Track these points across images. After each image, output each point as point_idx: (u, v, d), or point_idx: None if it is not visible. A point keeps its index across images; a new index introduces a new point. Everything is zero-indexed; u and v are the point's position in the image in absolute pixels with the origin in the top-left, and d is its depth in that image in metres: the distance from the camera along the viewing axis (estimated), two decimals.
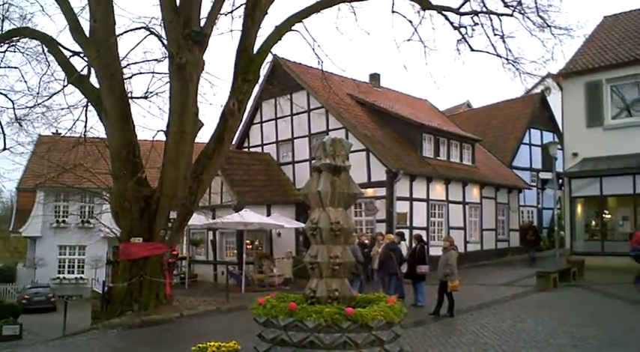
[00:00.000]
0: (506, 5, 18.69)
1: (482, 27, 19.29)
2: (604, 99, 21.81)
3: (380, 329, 6.85)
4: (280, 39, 16.84)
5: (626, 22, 24.48)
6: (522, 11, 18.73)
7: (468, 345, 9.74)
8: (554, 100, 29.03)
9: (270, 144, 26.21)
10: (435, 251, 19.04)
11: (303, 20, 16.84)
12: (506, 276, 20.02)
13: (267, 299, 7.44)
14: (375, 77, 28.98)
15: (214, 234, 23.30)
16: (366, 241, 17.76)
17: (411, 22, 18.64)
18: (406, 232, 19.65)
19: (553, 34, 18.92)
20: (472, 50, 19.08)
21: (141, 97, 18.10)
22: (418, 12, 18.87)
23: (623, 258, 20.23)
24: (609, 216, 22.11)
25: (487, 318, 12.32)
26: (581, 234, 22.12)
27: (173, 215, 16.24)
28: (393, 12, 18.45)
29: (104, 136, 16.92)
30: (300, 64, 24.36)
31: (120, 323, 13.40)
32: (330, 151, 7.62)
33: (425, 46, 18.90)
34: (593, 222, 22.19)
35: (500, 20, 19.41)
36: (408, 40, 19.36)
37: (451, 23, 18.90)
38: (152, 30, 15.67)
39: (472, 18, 19.34)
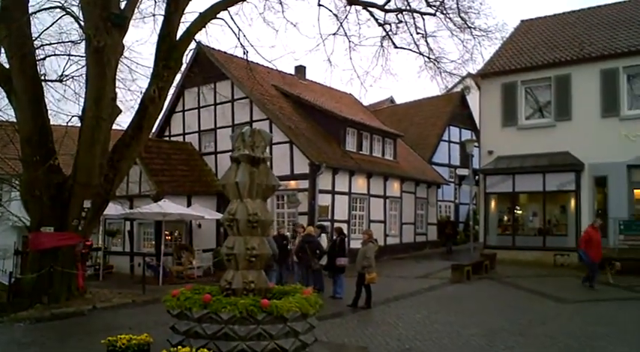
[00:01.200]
0: (429, 5, 19.13)
1: (407, 25, 19.69)
2: (518, 100, 22.78)
3: (295, 320, 6.86)
4: (204, 26, 16.47)
5: (541, 27, 25.63)
6: (444, 11, 19.24)
7: (383, 336, 9.91)
8: (474, 99, 30.12)
9: (192, 133, 25.66)
10: (356, 244, 19.27)
11: (229, 9, 16.57)
12: (423, 269, 20.58)
13: (181, 291, 7.29)
14: (300, 70, 28.96)
15: (132, 225, 22.59)
16: (287, 233, 17.78)
17: (336, 16, 18.74)
18: (328, 225, 19.90)
19: (473, 36, 19.59)
20: (395, 47, 19.43)
21: (55, 80, 17.19)
22: (345, 7, 19.03)
23: (533, 251, 21.35)
24: (520, 212, 23.15)
25: (403, 310, 12.60)
26: (494, 229, 23.05)
27: (88, 204, 15.60)
28: (319, 5, 18.48)
29: (14, 120, 16.00)
30: (224, 52, 23.97)
31: (27, 316, 12.72)
32: (250, 142, 7.53)
33: (350, 41, 19.08)
34: (506, 217, 23.16)
35: (424, 19, 19.89)
36: (334, 34, 19.50)
37: (376, 19, 19.15)
38: (68, 10, 14.94)
39: (397, 16, 19.69)
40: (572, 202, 21.27)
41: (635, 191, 20.50)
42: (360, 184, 23.37)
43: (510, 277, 17.77)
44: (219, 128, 24.14)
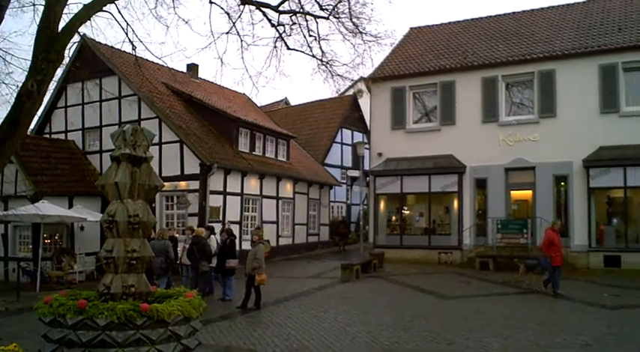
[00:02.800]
0: (322, 8, 19.32)
1: (300, 27, 19.77)
2: (407, 105, 23.64)
3: (177, 324, 6.64)
4: (89, 18, 15.59)
5: (429, 35, 26.76)
6: (337, 15, 19.50)
7: (271, 337, 9.88)
8: (365, 103, 30.86)
9: (75, 131, 24.30)
10: (248, 245, 19.12)
11: (116, 2, 15.82)
12: (314, 269, 20.78)
13: (55, 297, 6.84)
14: (193, 68, 28.31)
15: (6, 228, 21.04)
16: (177, 235, 17.31)
17: (229, 14, 18.44)
18: (219, 226, 19.57)
19: (364, 41, 20.00)
20: (288, 48, 19.43)
21: None
22: (238, 6, 18.79)
23: (419, 250, 22.19)
24: (408, 212, 24.00)
25: (293, 310, 12.63)
26: (383, 229, 23.76)
27: None
28: (210, 2, 18.13)
29: None
30: (112, 47, 22.93)
31: None
32: (131, 141, 7.20)
33: (242, 41, 18.88)
34: (394, 218, 23.94)
35: (317, 22, 20.06)
36: (227, 33, 19.19)
37: (269, 20, 19.06)
38: None
39: (290, 17, 19.73)
40: (455, 203, 22.36)
41: (511, 192, 21.88)
42: (252, 185, 23.23)
43: (397, 275, 18.36)
44: (105, 126, 23.02)
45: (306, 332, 10.24)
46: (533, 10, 25.86)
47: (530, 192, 21.44)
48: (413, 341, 9.49)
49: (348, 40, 20.14)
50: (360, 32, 19.77)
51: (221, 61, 24.24)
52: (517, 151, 21.21)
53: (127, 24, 16.60)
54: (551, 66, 21.16)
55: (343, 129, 33.87)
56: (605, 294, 14.33)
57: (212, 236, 15.42)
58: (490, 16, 26.54)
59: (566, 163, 20.38)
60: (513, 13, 26.19)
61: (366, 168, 24.66)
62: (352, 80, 24.01)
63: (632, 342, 9.34)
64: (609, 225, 20.50)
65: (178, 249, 15.59)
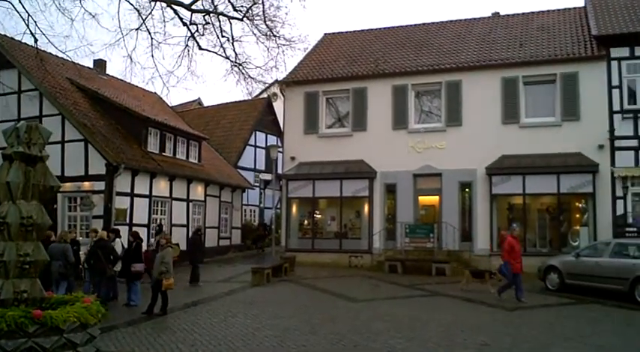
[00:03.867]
0: (235, 9, 19.20)
1: (213, 27, 19.55)
2: (320, 110, 23.86)
3: (73, 331, 6.30)
4: None
5: (343, 41, 27.15)
6: (251, 17, 19.45)
7: (176, 343, 9.61)
8: (280, 106, 30.89)
9: None
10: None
11: None
12: (225, 273, 20.51)
13: None
14: (100, 64, 27.20)
15: None
16: (80, 238, 16.56)
17: (138, 11, 17.94)
18: (126, 229, 18.91)
19: (277, 44, 20.06)
20: (200, 48, 19.17)
21: None
22: (149, 2, 18.32)
23: (330, 254, 22.39)
24: (320, 216, 24.19)
25: (200, 315, 12.36)
26: (295, 232, 23.81)
27: None
28: None
29: None
30: (11, 38, 21.61)
31: None
32: (25, 138, 6.79)
33: (153, 39, 18.39)
34: (306, 222, 24.06)
35: (231, 23, 19.93)
36: (137, 29, 18.67)
37: (181, 19, 18.74)
38: None
39: (204, 17, 19.46)
40: (366, 207, 22.78)
41: (419, 198, 22.55)
42: (161, 187, 22.59)
43: (308, 278, 18.43)
44: (3, 122, 21.63)
45: (213, 337, 10.04)
46: (442, 22, 26.86)
47: (437, 197, 22.17)
48: (319, 344, 9.53)
49: (262, 43, 20.11)
50: (274, 35, 19.83)
51: (130, 58, 23.47)
52: (425, 158, 21.90)
53: (28, 15, 15.82)
54: (458, 77, 22.05)
55: (257, 132, 33.73)
56: (504, 296, 15.00)
57: (117, 239, 14.85)
58: (401, 26, 27.31)
59: (470, 170, 21.25)
60: (423, 24, 27.09)
61: (280, 171, 24.65)
62: (265, 83, 23.99)
63: (527, 341, 9.83)
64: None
65: (81, 252, 14.90)
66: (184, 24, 18.63)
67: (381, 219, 22.49)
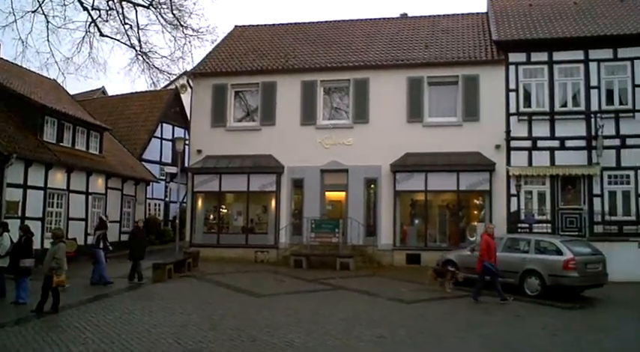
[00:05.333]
0: None
1: (117, 14, 18.80)
2: (228, 103, 23.54)
3: None
4: None
5: (253, 35, 26.92)
6: (157, 5, 18.87)
7: (66, 342, 9.15)
8: (188, 98, 30.18)
9: None
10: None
11: None
12: (125, 269, 19.69)
13: None
14: None
15: None
16: None
17: None
18: (17, 222, 17.80)
19: (185, 34, 19.59)
20: (101, 35, 18.39)
21: None
22: None
23: (236, 249, 22.15)
24: (226, 211, 23.89)
25: (94, 313, 11.84)
26: (200, 227, 23.38)
27: None
28: None
29: None
30: None
31: None
32: None
33: (48, 22, 17.44)
34: (212, 216, 23.69)
35: (136, 10, 19.24)
36: (32, 11, 17.63)
37: (81, 3, 17.86)
38: None
39: (107, 2, 18.66)
40: (273, 202, 22.73)
41: (326, 193, 22.77)
42: (58, 179, 21.44)
43: (212, 274, 18.15)
44: None
45: (106, 335, 9.64)
46: (352, 20, 27.24)
47: (343, 193, 22.49)
48: (217, 339, 9.36)
49: (169, 32, 19.61)
50: (181, 25, 19.40)
51: (23, 42, 21.88)
52: (332, 154, 22.14)
53: None
54: (366, 75, 22.44)
55: (164, 124, 32.81)
56: (403, 289, 15.47)
57: (5, 233, 13.93)
58: (312, 23, 27.45)
59: (376, 167, 21.70)
60: (334, 21, 27.38)
61: (186, 165, 24.10)
62: (171, 74, 23.32)
63: (421, 333, 10.16)
64: (412, 226, 22.21)
65: None
66: (84, 8, 17.78)
67: (288, 214, 22.51)
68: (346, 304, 13.20)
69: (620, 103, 20.68)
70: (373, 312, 12.12)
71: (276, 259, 21.74)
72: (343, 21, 27.26)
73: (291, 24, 27.69)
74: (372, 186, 22.19)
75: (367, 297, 14.29)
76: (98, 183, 24.25)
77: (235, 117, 23.82)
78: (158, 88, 27.51)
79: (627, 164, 20.22)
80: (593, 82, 20.76)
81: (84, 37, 18.54)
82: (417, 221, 22.24)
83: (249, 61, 24.16)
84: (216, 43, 24.93)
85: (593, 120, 20.34)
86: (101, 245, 16.39)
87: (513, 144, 21.02)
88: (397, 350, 9.15)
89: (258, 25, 28.10)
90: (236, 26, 28.18)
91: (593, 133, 20.27)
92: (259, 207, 23.47)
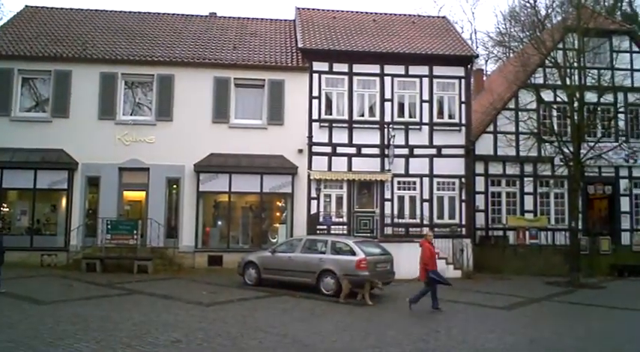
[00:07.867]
0: None
1: None
2: (14, 90, 21.29)
3: None
4: None
5: (47, 18, 24.68)
6: None
7: None
8: None
9: None
10: None
11: None
12: None
13: None
14: None
15: None
16: None
17: None
18: None
19: None
20: None
21: None
22: None
23: (19, 252, 19.88)
24: (8, 210, 21.52)
25: None
26: None
27: None
28: None
29: None
30: None
31: None
32: None
33: None
34: None
35: None
36: None
37: None
38: None
39: None
40: (64, 201, 21.00)
41: (125, 192, 21.60)
42: None
43: None
44: None
45: None
46: (158, 13, 26.24)
47: (143, 193, 21.52)
48: None
49: None
50: None
51: None
52: (133, 151, 21.12)
53: None
54: (171, 71, 21.78)
55: None
56: (203, 292, 15.17)
57: None
58: (114, 11, 25.92)
59: (179, 167, 21.14)
60: (138, 12, 26.15)
61: None
62: None
63: (219, 335, 9.94)
64: (214, 227, 21.99)
65: None
66: None
67: (81, 214, 20.91)
68: (141, 309, 12.52)
69: (410, 116, 22.61)
70: (169, 316, 11.64)
71: (66, 263, 20.04)
72: (149, 13, 26.15)
73: (90, 10, 25.81)
74: (175, 186, 21.56)
75: (164, 301, 13.74)
76: None
77: (22, 107, 21.54)
78: None
79: (414, 172, 22.25)
80: (387, 95, 22.46)
81: None
82: (220, 222, 22.07)
83: (41, 45, 22.01)
84: (1, 22, 22.30)
85: (386, 130, 21.99)
86: None
87: (315, 149, 21.87)
88: None
89: (52, 8, 25.70)
90: (27, 6, 25.51)
91: (386, 142, 21.91)
92: (47, 205, 21.50)
